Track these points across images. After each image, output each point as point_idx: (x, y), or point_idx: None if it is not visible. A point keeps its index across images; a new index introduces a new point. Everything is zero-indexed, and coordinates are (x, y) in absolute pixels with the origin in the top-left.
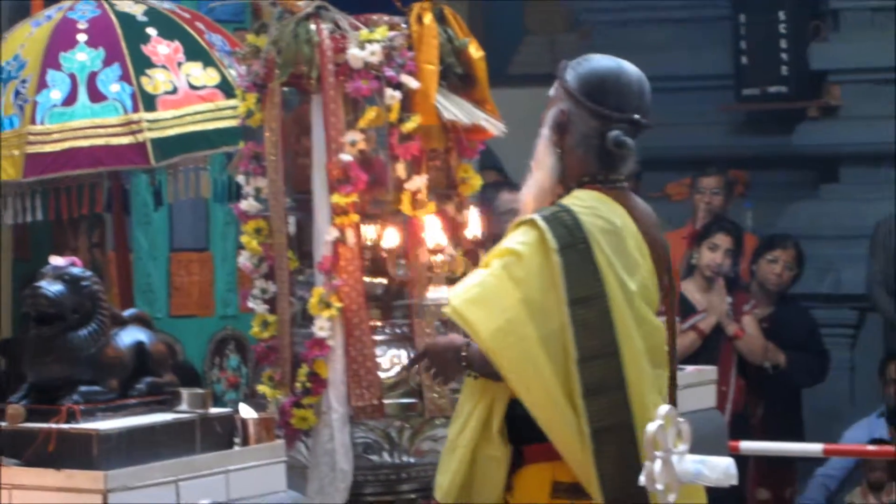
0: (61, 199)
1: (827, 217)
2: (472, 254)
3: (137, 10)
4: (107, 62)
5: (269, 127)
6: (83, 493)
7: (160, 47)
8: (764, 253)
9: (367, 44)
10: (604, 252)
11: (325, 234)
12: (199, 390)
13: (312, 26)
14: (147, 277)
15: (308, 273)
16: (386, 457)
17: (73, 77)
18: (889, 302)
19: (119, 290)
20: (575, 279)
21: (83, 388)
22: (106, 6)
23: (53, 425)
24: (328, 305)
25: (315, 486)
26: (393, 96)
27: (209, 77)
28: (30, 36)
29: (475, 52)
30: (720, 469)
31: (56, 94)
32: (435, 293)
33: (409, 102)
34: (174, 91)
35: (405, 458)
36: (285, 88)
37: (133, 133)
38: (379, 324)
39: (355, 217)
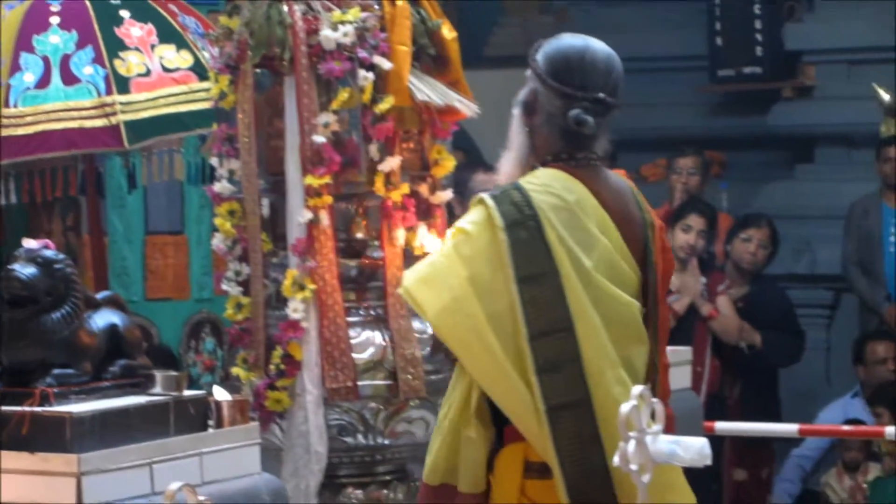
0: (35, 182)
1: (802, 197)
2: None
3: None
4: (80, 45)
5: (242, 109)
6: (56, 477)
7: (133, 30)
8: (738, 232)
9: (340, 25)
10: (555, 228)
11: (298, 216)
12: (173, 373)
13: (285, 8)
14: (122, 261)
15: (282, 255)
16: (360, 439)
17: (46, 60)
18: (863, 282)
19: (94, 273)
20: (524, 256)
21: (56, 371)
22: None
23: (27, 408)
24: (302, 287)
25: (289, 468)
26: (366, 77)
27: (182, 59)
28: (3, 19)
29: (448, 33)
30: (694, 449)
31: (29, 77)
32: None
33: (381, 84)
34: (147, 73)
35: (380, 440)
36: (258, 70)
37: (107, 116)
38: (353, 306)
39: (329, 199)
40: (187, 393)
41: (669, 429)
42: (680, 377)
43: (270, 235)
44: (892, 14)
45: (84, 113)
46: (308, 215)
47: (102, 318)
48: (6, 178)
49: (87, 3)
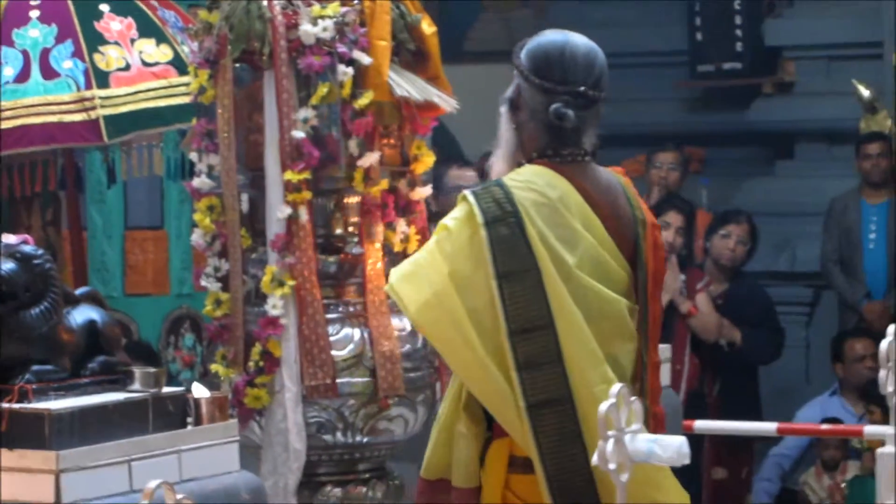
0: (14, 176)
1: (782, 194)
2: (425, 231)
3: None
4: (59, 39)
5: (222, 104)
6: (35, 474)
7: (113, 24)
8: (717, 228)
9: (320, 20)
10: (535, 225)
11: (277, 211)
12: (152, 369)
13: (264, 2)
14: (102, 256)
15: (261, 251)
16: (339, 436)
17: (25, 54)
18: (842, 279)
19: (73, 268)
20: (504, 253)
21: (35, 368)
22: None
23: (5, 405)
24: (281, 284)
25: (268, 465)
26: (345, 72)
27: (162, 54)
28: None
29: (427, 28)
30: (673, 448)
31: (9, 71)
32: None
33: (361, 79)
34: (127, 68)
35: (359, 438)
36: (237, 65)
37: (86, 110)
38: (332, 302)
39: (308, 194)
40: (166, 390)
41: (660, 427)
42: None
43: (250, 231)
44: (871, 10)
45: (63, 107)
46: (287, 211)
47: (81, 315)
48: None
49: None
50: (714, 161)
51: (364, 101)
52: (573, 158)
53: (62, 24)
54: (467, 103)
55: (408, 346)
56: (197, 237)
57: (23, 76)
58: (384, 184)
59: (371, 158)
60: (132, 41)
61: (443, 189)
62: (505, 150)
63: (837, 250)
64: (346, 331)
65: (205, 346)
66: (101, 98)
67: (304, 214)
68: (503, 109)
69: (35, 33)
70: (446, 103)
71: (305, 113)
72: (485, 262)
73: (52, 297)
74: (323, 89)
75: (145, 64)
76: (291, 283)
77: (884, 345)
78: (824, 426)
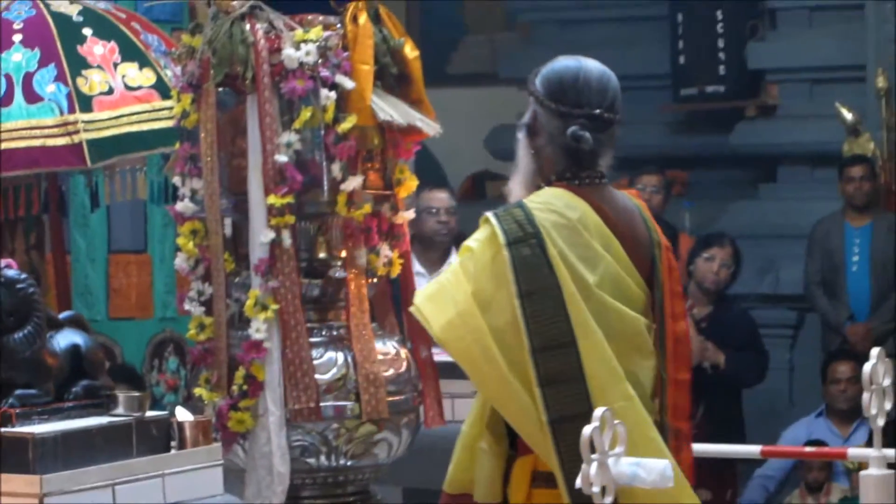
0: None
1: (766, 217)
2: (408, 255)
3: (73, 11)
4: (42, 63)
5: (205, 128)
6: (19, 497)
7: (96, 48)
8: (700, 252)
9: (302, 44)
10: (557, 245)
11: (261, 235)
12: (136, 393)
13: (247, 26)
14: (85, 279)
15: (244, 275)
16: (323, 460)
17: (8, 78)
18: (825, 302)
19: (57, 292)
20: (526, 273)
21: (19, 392)
22: (41, 6)
23: None
24: (265, 307)
25: (252, 489)
26: (328, 97)
27: (145, 78)
28: None
29: (410, 51)
30: (656, 471)
31: None
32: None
33: (344, 103)
34: (110, 92)
35: (342, 462)
36: (220, 89)
37: (69, 134)
38: (316, 326)
39: (291, 218)
40: (150, 414)
41: (683, 444)
42: None
43: (233, 255)
44: (854, 33)
45: (47, 131)
46: (271, 235)
47: (65, 339)
48: None
49: (50, 21)
50: (697, 184)
51: (347, 125)
52: (591, 181)
53: (45, 48)
54: (450, 126)
55: (391, 370)
56: (180, 261)
57: (6, 100)
58: (367, 208)
59: (354, 182)
60: (115, 65)
61: (416, 210)
62: (523, 175)
63: (820, 272)
64: (330, 354)
65: (188, 369)
66: (84, 122)
67: (287, 238)
68: (520, 135)
69: (18, 57)
70: (429, 127)
71: (288, 137)
72: (507, 281)
73: (36, 321)
74: (306, 113)
75: (128, 88)
76: (275, 306)
77: (867, 367)
78: (808, 448)
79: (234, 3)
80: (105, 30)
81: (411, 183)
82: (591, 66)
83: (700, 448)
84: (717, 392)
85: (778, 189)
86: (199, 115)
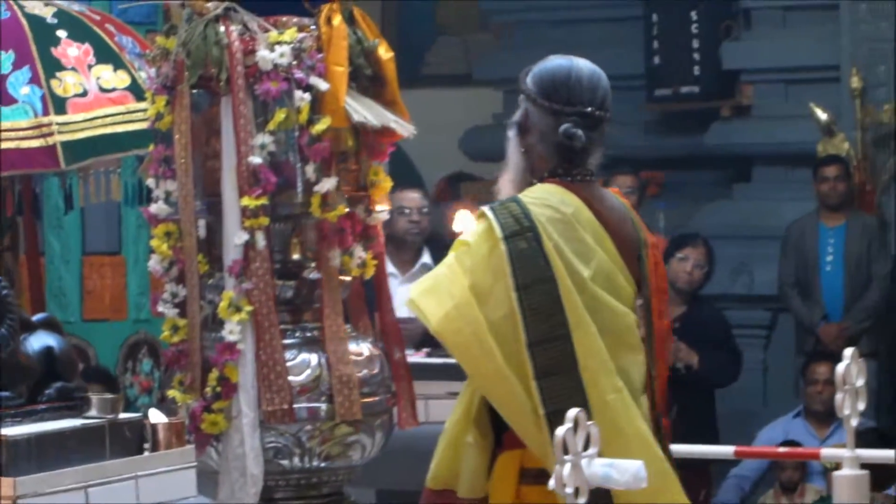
0: None
1: (740, 217)
2: (382, 257)
3: (47, 13)
4: (17, 65)
5: (179, 129)
6: None
7: (70, 50)
8: (674, 252)
9: (277, 45)
10: (552, 239)
11: (234, 237)
12: (109, 395)
13: (221, 28)
14: (59, 281)
15: (218, 276)
16: (296, 461)
17: None
18: (799, 302)
19: (31, 294)
20: (522, 266)
21: None
22: (15, 8)
23: None
24: (238, 309)
25: (225, 491)
26: (302, 98)
27: (119, 80)
28: None
29: (385, 53)
30: (630, 472)
31: None
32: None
33: (318, 104)
34: (84, 94)
35: (316, 463)
36: (195, 91)
37: (43, 136)
38: (289, 328)
39: (265, 220)
40: (123, 416)
41: (666, 439)
42: None
43: (207, 257)
44: (828, 33)
45: (21, 133)
46: (244, 236)
47: (38, 341)
48: None
49: (24, 23)
50: (672, 184)
51: (321, 126)
52: (582, 178)
53: (19, 51)
54: (424, 127)
55: (365, 372)
56: (154, 263)
57: None
58: (341, 209)
59: (328, 184)
60: (89, 67)
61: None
62: (513, 173)
63: (794, 273)
64: (304, 356)
65: (162, 371)
66: (58, 124)
67: (261, 240)
68: (511, 134)
69: None
70: (404, 129)
71: (263, 139)
72: (504, 274)
73: (10, 323)
74: (280, 115)
75: (103, 90)
76: (249, 308)
77: (840, 368)
78: (782, 449)
79: (209, 4)
80: (79, 32)
81: (385, 184)
82: (583, 64)
83: (674, 448)
84: (691, 392)
85: (752, 189)
86: (174, 116)
